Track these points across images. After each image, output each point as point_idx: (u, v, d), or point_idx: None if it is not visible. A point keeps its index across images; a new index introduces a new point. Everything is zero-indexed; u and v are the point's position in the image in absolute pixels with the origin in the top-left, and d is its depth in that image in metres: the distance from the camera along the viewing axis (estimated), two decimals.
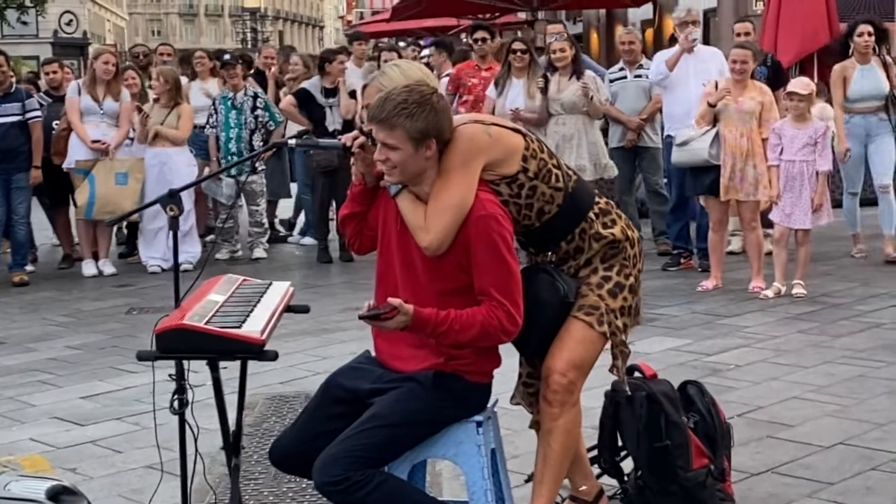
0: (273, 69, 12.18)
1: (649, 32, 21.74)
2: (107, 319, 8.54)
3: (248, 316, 3.68)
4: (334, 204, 10.81)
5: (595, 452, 4.36)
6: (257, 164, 10.88)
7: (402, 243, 3.71)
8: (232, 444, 3.97)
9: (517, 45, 10.19)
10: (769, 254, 8.70)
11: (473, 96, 10.81)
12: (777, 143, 8.23)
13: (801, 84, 8.46)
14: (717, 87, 8.41)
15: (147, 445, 5.44)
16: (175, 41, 65.94)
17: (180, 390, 3.84)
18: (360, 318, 3.50)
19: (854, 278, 8.83)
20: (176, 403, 3.83)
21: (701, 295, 8.44)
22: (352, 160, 3.86)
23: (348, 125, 10.69)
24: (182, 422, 3.89)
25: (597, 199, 3.92)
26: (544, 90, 9.63)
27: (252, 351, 3.51)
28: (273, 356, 3.56)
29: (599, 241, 3.85)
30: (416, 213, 3.60)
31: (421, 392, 3.62)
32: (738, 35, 10.23)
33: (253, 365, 6.89)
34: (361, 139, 3.76)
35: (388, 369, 3.75)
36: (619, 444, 4.38)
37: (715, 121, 8.35)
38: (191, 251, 10.56)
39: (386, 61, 10.71)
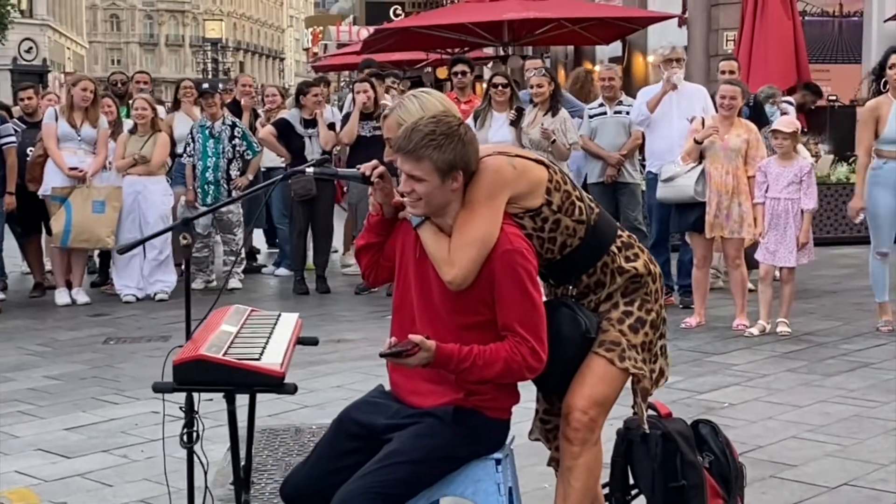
0: (246, 99, 12.08)
1: (619, 69, 21.82)
2: (83, 349, 8.39)
3: (264, 348, 3.59)
4: (311, 234, 10.74)
5: (606, 490, 4.29)
6: (234, 194, 10.77)
7: (421, 275, 3.64)
8: (243, 478, 3.85)
9: (498, 80, 10.19)
10: (752, 290, 8.70)
11: None
12: (763, 181, 8.24)
13: (785, 122, 8.51)
14: (703, 123, 8.42)
15: (138, 479, 5.34)
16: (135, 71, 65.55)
17: (190, 423, 3.71)
18: (382, 355, 3.41)
19: (836, 317, 8.85)
20: (186, 437, 3.68)
21: (685, 332, 8.41)
22: (369, 190, 3.80)
23: (328, 155, 10.65)
24: (190, 455, 3.77)
25: (619, 231, 3.87)
26: (515, 122, 9.65)
27: (272, 384, 3.41)
28: (293, 389, 3.47)
29: (622, 274, 3.79)
30: (440, 246, 3.53)
31: (441, 428, 3.54)
32: (724, 73, 10.25)
33: (240, 398, 6.83)
34: (381, 169, 3.70)
35: (405, 404, 3.67)
36: (631, 483, 4.31)
37: (701, 157, 8.36)
38: (166, 280, 10.46)
39: (358, 92, 10.67)
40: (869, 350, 7.68)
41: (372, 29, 34.28)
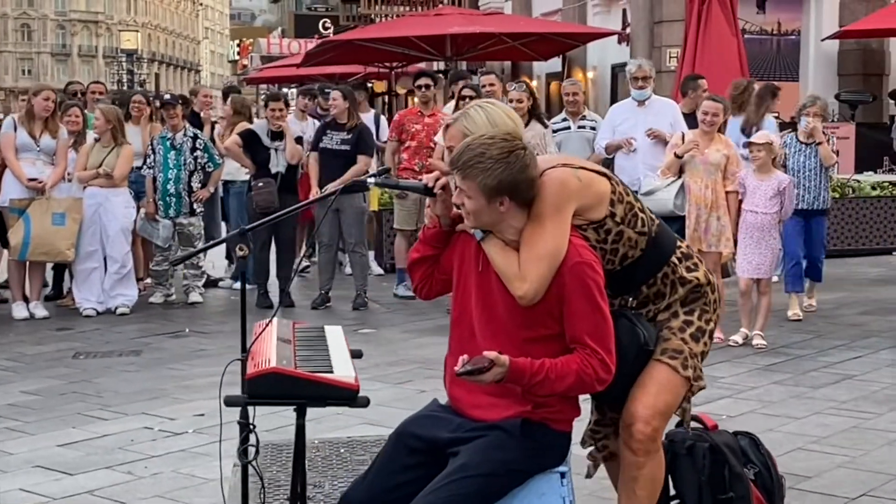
0: (207, 111, 11.94)
1: (555, 85, 22.03)
2: (54, 364, 8.18)
3: (330, 361, 3.52)
4: (274, 247, 10.62)
5: None
6: (195, 207, 10.62)
7: (483, 288, 3.60)
8: (300, 494, 3.77)
9: (467, 92, 10.16)
10: None
11: (416, 142, 10.77)
12: (743, 192, 8.39)
13: (759, 135, 8.63)
14: (683, 138, 8.50)
15: (149, 496, 5.23)
16: (47, 82, 64.38)
17: (246, 438, 3.63)
18: (459, 374, 3.36)
19: (806, 330, 8.97)
20: (246, 451, 3.59)
21: None
22: (427, 201, 3.77)
23: (292, 169, 10.55)
24: (245, 470, 3.69)
25: (678, 242, 3.88)
26: None
27: (346, 397, 3.36)
28: (365, 402, 3.41)
29: (684, 285, 3.80)
30: (510, 261, 3.50)
31: (509, 441, 3.51)
32: (704, 90, 10.42)
33: (232, 413, 6.72)
34: (444, 180, 3.67)
35: (467, 418, 3.62)
36: (671, 493, 4.31)
37: (680, 172, 8.44)
38: (128, 294, 10.26)
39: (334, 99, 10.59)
40: (848, 362, 7.80)
41: (305, 41, 34.26)
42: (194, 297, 10.68)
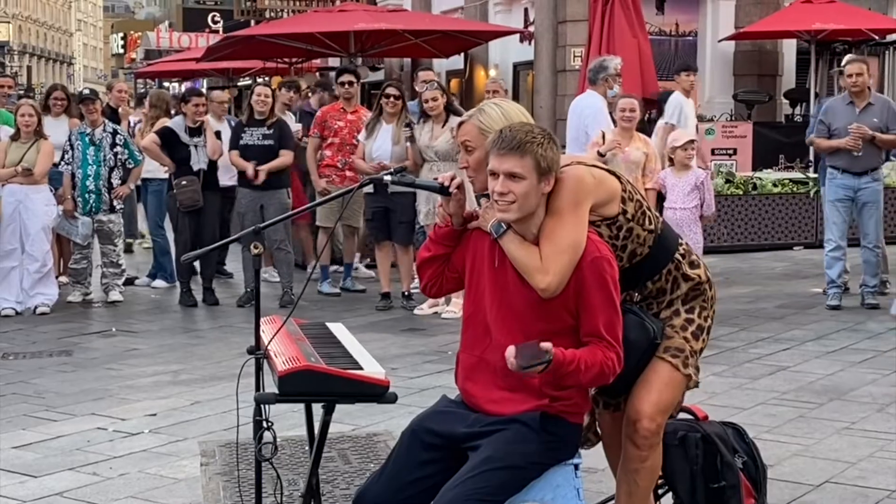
0: (124, 106, 11.74)
1: (455, 83, 22.13)
2: None
3: (354, 357, 3.54)
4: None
5: None
6: (115, 204, 10.45)
7: (498, 284, 3.66)
8: (315, 490, 3.77)
9: (390, 91, 10.21)
10: None
11: (339, 139, 10.78)
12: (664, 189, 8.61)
13: (687, 134, 8.85)
14: (603, 137, 8.64)
15: (122, 497, 5.18)
16: None
17: (262, 436, 3.62)
18: (520, 369, 3.36)
19: (730, 323, 9.19)
20: (264, 449, 3.59)
21: None
22: (438, 199, 3.81)
23: (213, 165, 10.45)
24: (259, 467, 3.68)
25: (679, 240, 3.99)
26: (411, 138, 9.70)
27: (376, 393, 3.38)
28: (394, 398, 3.45)
29: (687, 281, 3.91)
30: (531, 255, 3.55)
31: (529, 434, 3.56)
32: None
33: (183, 412, 6.67)
34: (459, 179, 3.71)
35: (483, 413, 3.67)
36: (659, 482, 4.42)
37: None
38: (48, 293, 10.09)
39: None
40: (778, 354, 8.05)
41: (196, 35, 33.79)
42: (114, 295, 10.51)
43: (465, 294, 3.79)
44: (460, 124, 3.81)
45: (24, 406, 6.81)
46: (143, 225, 13.19)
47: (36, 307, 9.93)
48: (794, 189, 14.36)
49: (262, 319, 3.95)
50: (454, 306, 9.52)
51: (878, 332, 8.79)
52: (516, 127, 3.53)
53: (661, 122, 11.75)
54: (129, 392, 7.14)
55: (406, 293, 10.11)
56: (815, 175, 14.40)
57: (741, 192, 14.08)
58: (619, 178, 3.81)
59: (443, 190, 3.70)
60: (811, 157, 16.26)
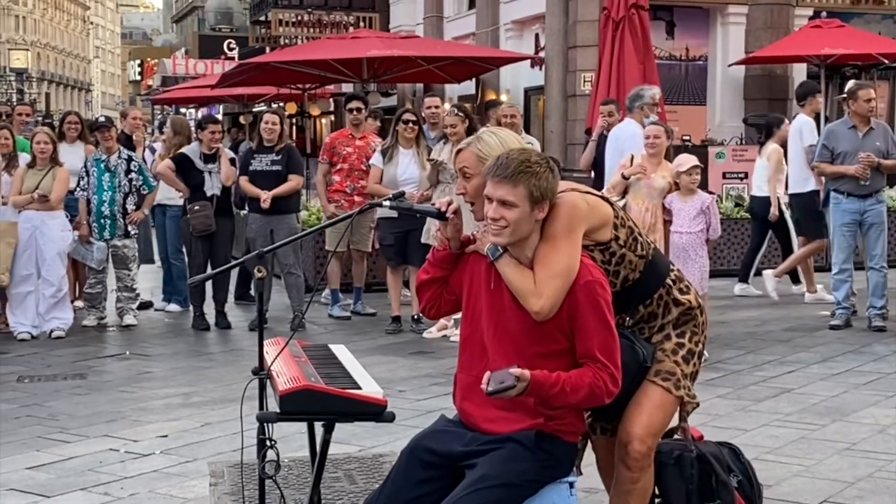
0: (139, 132, 11.91)
1: (468, 107, 22.27)
2: (0, 388, 8.12)
3: (353, 377, 3.65)
4: (210, 270, 10.63)
5: None
6: (130, 229, 10.61)
7: (495, 306, 3.76)
8: None
9: (408, 116, 10.37)
10: None
11: (348, 164, 10.93)
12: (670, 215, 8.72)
13: (691, 159, 8.94)
14: (632, 160, 8.75)
15: None
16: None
17: (265, 455, 3.73)
18: (490, 394, 3.48)
19: (736, 346, 9.28)
20: (267, 467, 3.69)
21: None
22: (437, 224, 3.92)
23: (227, 191, 10.61)
24: (262, 485, 3.79)
25: (671, 266, 4.10)
26: (434, 163, 9.81)
27: (374, 412, 3.49)
28: (391, 417, 3.56)
29: (678, 306, 4.02)
30: (525, 279, 3.66)
31: (524, 452, 3.66)
32: (602, 114, 10.75)
33: (193, 434, 6.78)
34: (455, 205, 3.83)
35: (480, 432, 3.77)
36: (657, 501, 4.50)
37: (624, 192, 8.71)
38: (63, 317, 10.21)
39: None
40: (783, 377, 8.13)
41: (212, 62, 34.08)
42: (129, 319, 10.64)
43: (462, 316, 3.90)
44: (459, 151, 3.92)
45: (39, 428, 6.93)
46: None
47: (51, 331, 10.07)
48: None
49: (266, 341, 4.09)
50: None
51: (884, 354, 8.86)
52: (513, 155, 3.63)
53: (799, 145, 11.58)
54: (141, 414, 7.26)
55: (416, 316, 10.21)
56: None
57: (750, 216, 14.12)
58: (611, 204, 3.93)
59: (440, 215, 3.81)
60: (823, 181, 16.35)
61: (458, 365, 3.90)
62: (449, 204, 3.82)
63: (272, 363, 3.78)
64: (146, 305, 11.62)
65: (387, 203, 3.87)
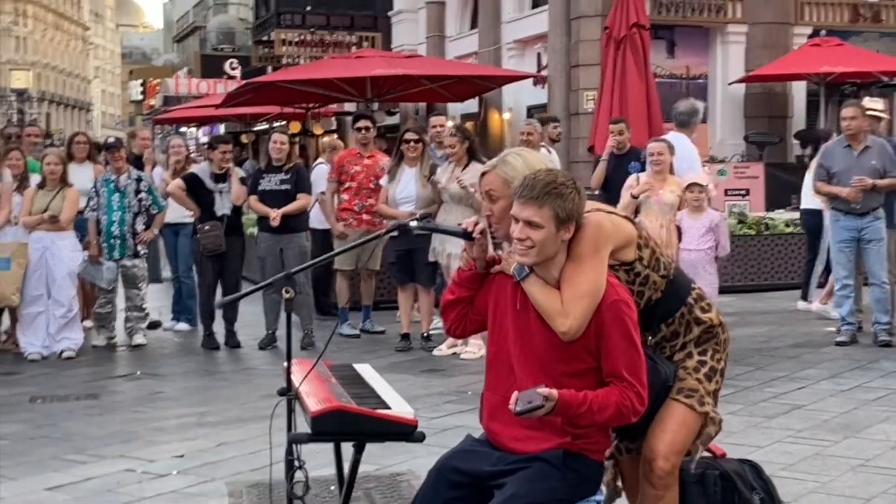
0: (148, 152, 11.97)
1: (470, 126, 22.36)
2: (13, 409, 8.16)
3: (382, 397, 3.69)
4: (221, 289, 10.67)
5: None
6: (139, 249, 10.65)
7: (521, 326, 3.80)
8: None
9: (410, 136, 10.44)
10: None
11: (357, 183, 10.98)
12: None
13: (700, 177, 9.00)
14: (638, 180, 8.82)
15: None
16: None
17: (293, 476, 3.76)
18: (518, 414, 3.52)
19: (745, 362, 9.31)
20: (296, 487, 3.72)
21: None
22: (463, 245, 3.96)
23: (237, 211, 10.66)
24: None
25: (692, 284, 4.14)
26: (429, 178, 9.87)
27: (405, 432, 3.53)
28: (421, 437, 3.59)
29: (699, 325, 4.06)
30: (552, 299, 3.70)
31: (551, 472, 3.70)
32: (613, 133, 10.82)
33: (210, 454, 6.82)
34: (482, 225, 3.87)
35: (507, 451, 3.80)
36: None
37: (636, 212, 8.77)
38: (73, 337, 10.26)
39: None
40: (793, 393, 8.16)
41: (214, 81, 34.16)
42: (139, 339, 10.68)
43: (488, 335, 3.95)
44: (484, 174, 3.96)
45: (54, 449, 6.96)
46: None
47: (62, 351, 10.11)
48: None
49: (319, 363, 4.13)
50: (473, 347, 9.67)
51: (891, 370, 8.89)
52: (540, 176, 3.67)
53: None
54: (156, 434, 7.29)
55: (426, 334, 10.26)
56: None
57: (754, 233, 14.21)
58: (635, 224, 3.98)
59: (466, 235, 3.86)
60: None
61: (485, 384, 3.94)
62: (475, 224, 3.87)
63: (300, 384, 3.81)
64: (155, 325, 11.66)
65: (413, 223, 3.92)
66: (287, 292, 3.90)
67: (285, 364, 4.00)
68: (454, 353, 9.86)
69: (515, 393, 3.58)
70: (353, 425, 3.49)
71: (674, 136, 10.14)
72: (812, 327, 11.23)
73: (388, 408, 3.57)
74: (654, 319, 4.04)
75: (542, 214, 3.62)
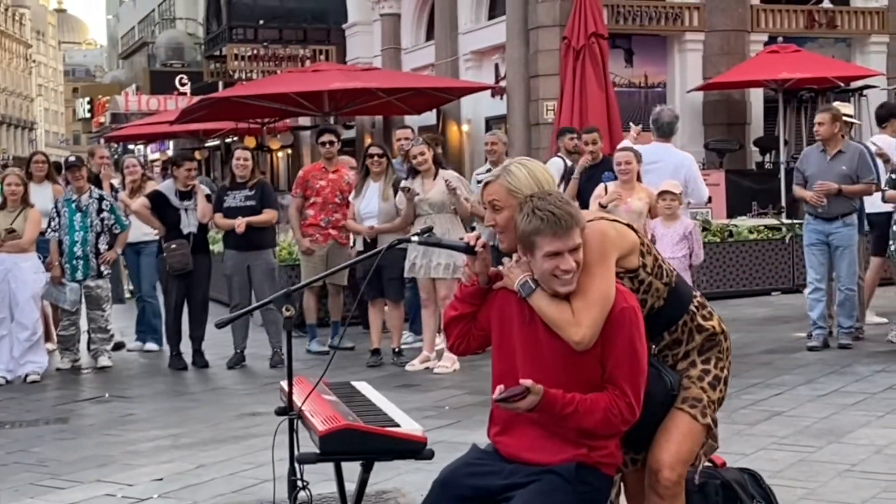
0: (105, 170, 11.79)
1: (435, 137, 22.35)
2: None
3: (387, 414, 3.61)
4: (187, 308, 10.52)
5: None
6: (103, 269, 10.47)
7: (529, 340, 3.73)
8: None
9: (374, 150, 10.35)
10: None
11: (322, 198, 10.87)
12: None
13: (672, 184, 8.98)
14: (605, 189, 8.80)
15: None
16: None
17: (296, 497, 3.67)
18: (496, 401, 3.48)
19: None
20: None
21: None
22: (465, 259, 3.89)
23: (203, 229, 10.52)
24: None
25: (694, 292, 4.10)
26: (410, 192, 9.70)
27: (414, 449, 3.45)
28: (431, 455, 3.51)
29: (701, 333, 4.02)
30: (562, 310, 3.63)
31: (563, 485, 3.63)
32: (587, 143, 10.75)
33: (190, 476, 6.69)
34: (484, 240, 3.81)
35: (519, 462, 3.72)
36: None
37: None
38: (38, 361, 10.08)
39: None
40: (771, 399, 8.16)
41: (165, 98, 33.91)
42: (104, 361, 10.50)
43: (493, 351, 3.87)
44: (487, 184, 3.88)
45: (28, 475, 6.79)
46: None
47: (27, 375, 9.92)
48: (770, 235, 14.55)
49: (282, 382, 4.03)
50: (446, 361, 9.59)
51: (866, 374, 8.92)
52: (551, 201, 3.62)
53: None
54: (131, 457, 7.15)
55: (396, 349, 10.17)
56: (790, 221, 14.67)
57: (718, 240, 14.25)
58: (636, 231, 3.93)
59: (468, 249, 3.79)
60: (783, 203, 16.55)
61: (494, 401, 3.85)
62: (478, 238, 3.80)
63: (302, 403, 3.72)
64: (119, 346, 11.46)
65: (415, 239, 3.84)
66: (287, 310, 3.81)
67: (283, 383, 3.91)
68: (427, 368, 9.77)
69: (501, 385, 3.54)
70: (362, 444, 3.41)
71: (661, 148, 10.09)
72: (781, 333, 11.26)
73: (396, 425, 3.48)
74: (657, 327, 3.99)
75: (578, 237, 3.61)
